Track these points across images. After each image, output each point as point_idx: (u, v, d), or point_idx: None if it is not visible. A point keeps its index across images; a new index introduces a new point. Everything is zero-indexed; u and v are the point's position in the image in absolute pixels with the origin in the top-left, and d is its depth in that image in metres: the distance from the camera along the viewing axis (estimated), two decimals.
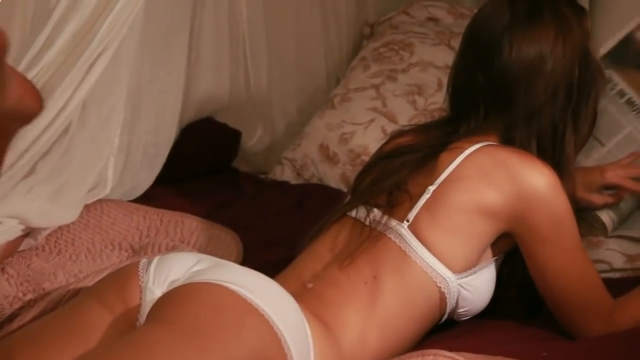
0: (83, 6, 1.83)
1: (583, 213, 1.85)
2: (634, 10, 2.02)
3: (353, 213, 1.71)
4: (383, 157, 1.81)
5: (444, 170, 1.67)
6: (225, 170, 2.62)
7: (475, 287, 1.65)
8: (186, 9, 2.38)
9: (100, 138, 2.13)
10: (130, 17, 1.90)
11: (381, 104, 2.54)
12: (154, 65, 2.29)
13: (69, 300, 1.63)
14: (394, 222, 1.65)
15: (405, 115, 2.49)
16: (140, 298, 1.50)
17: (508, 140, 1.70)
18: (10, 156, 1.73)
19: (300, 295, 1.57)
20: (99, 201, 2.13)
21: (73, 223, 2.04)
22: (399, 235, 1.63)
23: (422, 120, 2.42)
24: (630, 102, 1.95)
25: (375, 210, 1.68)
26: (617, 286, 1.74)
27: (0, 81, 1.09)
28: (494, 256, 1.67)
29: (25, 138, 1.85)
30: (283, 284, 1.54)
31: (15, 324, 1.68)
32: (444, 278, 1.61)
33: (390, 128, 2.39)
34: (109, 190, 2.18)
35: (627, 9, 2.13)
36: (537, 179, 1.62)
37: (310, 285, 1.63)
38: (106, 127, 2.14)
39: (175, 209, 2.18)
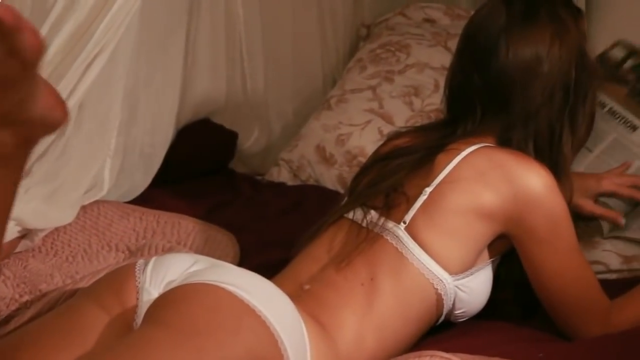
0: (80, 7, 1.83)
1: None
2: (630, 11, 2.02)
3: (350, 215, 1.71)
4: (380, 158, 1.81)
5: (440, 172, 1.66)
6: (222, 172, 2.62)
7: (472, 289, 1.65)
8: (183, 10, 2.38)
9: (96, 139, 2.13)
10: (127, 18, 1.91)
11: (378, 105, 2.53)
12: (151, 67, 2.29)
13: (66, 302, 1.63)
14: (390, 224, 1.65)
15: (402, 116, 2.48)
16: (137, 299, 1.50)
17: (505, 141, 1.70)
18: None
19: (297, 296, 1.57)
20: (96, 202, 2.13)
21: (70, 224, 2.04)
22: (396, 236, 1.63)
23: (419, 121, 2.42)
24: (611, 112, 1.97)
25: (372, 212, 1.68)
26: (614, 287, 1.74)
27: (32, 89, 1.09)
28: (490, 258, 1.67)
29: None
30: (280, 285, 1.53)
31: (11, 326, 1.68)
32: (440, 279, 1.61)
33: (387, 129, 2.39)
34: (105, 192, 2.18)
35: (623, 10, 2.14)
36: (533, 180, 1.62)
37: (307, 287, 1.63)
38: (103, 129, 2.14)
39: (172, 210, 2.18)
